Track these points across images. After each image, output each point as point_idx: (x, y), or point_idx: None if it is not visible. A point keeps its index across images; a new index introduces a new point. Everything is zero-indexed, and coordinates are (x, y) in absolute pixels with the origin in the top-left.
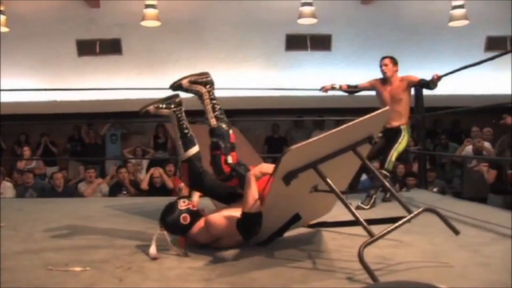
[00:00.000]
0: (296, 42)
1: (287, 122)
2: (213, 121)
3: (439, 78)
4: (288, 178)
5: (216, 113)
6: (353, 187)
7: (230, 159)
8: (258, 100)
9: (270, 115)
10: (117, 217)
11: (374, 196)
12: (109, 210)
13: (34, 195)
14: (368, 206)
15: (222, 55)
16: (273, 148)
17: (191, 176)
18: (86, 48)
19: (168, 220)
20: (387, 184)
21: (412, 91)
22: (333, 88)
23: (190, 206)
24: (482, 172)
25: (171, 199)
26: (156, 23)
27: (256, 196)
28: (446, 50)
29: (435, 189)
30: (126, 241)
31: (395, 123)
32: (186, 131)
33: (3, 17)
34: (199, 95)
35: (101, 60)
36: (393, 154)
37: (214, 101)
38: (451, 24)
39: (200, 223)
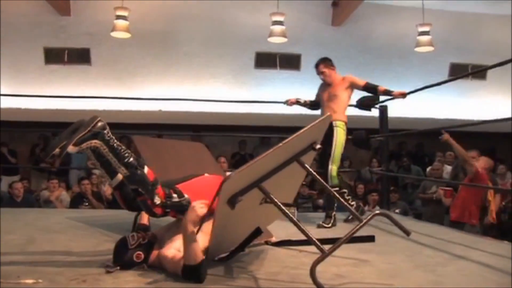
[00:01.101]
0: (266, 60)
1: (254, 139)
2: (123, 171)
3: (403, 95)
4: (233, 201)
5: (124, 160)
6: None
7: (157, 199)
8: (225, 116)
9: (237, 131)
10: (76, 229)
11: (333, 214)
12: (68, 222)
13: None
14: (329, 225)
15: (192, 70)
16: (239, 165)
17: (126, 202)
18: (54, 56)
19: (123, 261)
20: (345, 202)
21: (376, 112)
22: (297, 102)
23: (141, 239)
24: (440, 196)
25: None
26: (126, 35)
27: (196, 245)
28: (412, 74)
29: (397, 210)
30: (83, 253)
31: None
32: (125, 154)
33: None
34: (97, 151)
35: (69, 69)
36: (332, 169)
37: (115, 147)
38: (417, 49)
39: (154, 253)
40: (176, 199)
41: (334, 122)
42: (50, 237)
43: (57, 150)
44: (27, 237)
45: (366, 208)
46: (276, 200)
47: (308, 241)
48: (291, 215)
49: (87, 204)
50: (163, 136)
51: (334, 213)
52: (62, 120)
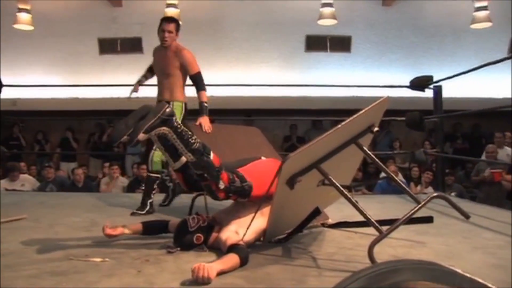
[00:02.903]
0: (316, 43)
1: (306, 122)
2: (190, 157)
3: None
4: (292, 182)
5: (191, 146)
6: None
7: (221, 184)
8: (277, 100)
9: (288, 115)
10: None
11: (150, 201)
12: (128, 205)
13: (54, 189)
14: (143, 212)
15: (242, 55)
16: (293, 149)
17: (188, 183)
18: (107, 46)
19: (183, 243)
20: (402, 184)
21: (431, 93)
22: (140, 84)
23: (201, 222)
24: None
25: (189, 196)
26: None
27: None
28: (467, 53)
29: (453, 193)
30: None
31: (166, 97)
32: (192, 140)
33: (28, 16)
34: (163, 137)
35: (122, 58)
36: (154, 153)
37: (182, 134)
38: (474, 26)
39: (214, 236)
40: (239, 184)
41: (173, 102)
42: (112, 220)
43: (125, 137)
44: (91, 220)
45: (419, 188)
46: (334, 181)
47: (365, 223)
48: (349, 197)
49: (143, 188)
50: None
51: (151, 200)
52: (117, 108)
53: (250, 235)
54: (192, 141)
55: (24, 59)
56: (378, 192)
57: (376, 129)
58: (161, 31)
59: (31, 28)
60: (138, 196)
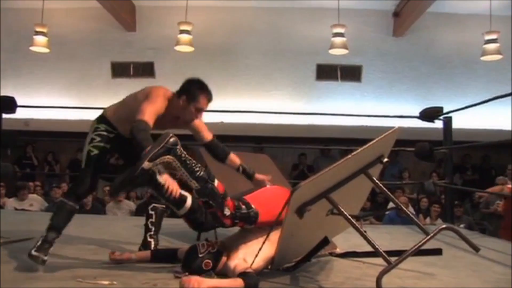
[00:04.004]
0: (327, 72)
1: (315, 151)
2: (194, 184)
3: None
4: (301, 211)
5: (195, 174)
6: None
7: (226, 211)
8: (287, 128)
9: (298, 143)
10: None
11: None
12: (136, 229)
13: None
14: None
15: (253, 82)
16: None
17: (194, 225)
18: (120, 70)
19: (192, 268)
20: (411, 214)
21: (440, 124)
22: None
23: (210, 248)
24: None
25: None
26: (190, 48)
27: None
28: (477, 84)
29: (462, 225)
30: None
31: None
32: (196, 168)
33: (45, 39)
34: (168, 166)
35: (134, 82)
36: None
37: (187, 162)
38: (484, 58)
39: (223, 261)
40: (245, 211)
41: None
42: (120, 243)
43: (145, 163)
44: (98, 242)
45: (428, 221)
46: (343, 210)
47: (373, 253)
48: (358, 226)
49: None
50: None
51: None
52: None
53: (258, 263)
54: (197, 169)
55: (38, 80)
56: (386, 222)
57: (386, 160)
58: (198, 108)
59: (47, 50)
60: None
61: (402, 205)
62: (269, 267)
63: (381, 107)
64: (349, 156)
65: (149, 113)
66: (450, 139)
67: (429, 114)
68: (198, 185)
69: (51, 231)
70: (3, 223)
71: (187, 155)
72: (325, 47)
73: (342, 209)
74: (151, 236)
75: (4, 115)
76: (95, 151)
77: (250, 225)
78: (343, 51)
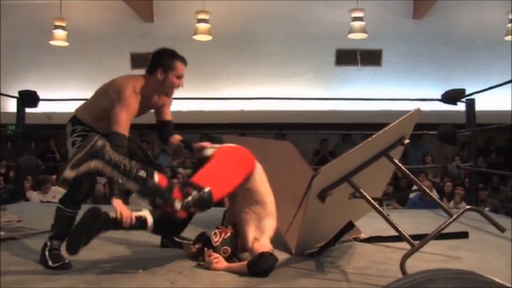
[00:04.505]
0: (346, 57)
1: (336, 136)
2: (133, 186)
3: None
4: (323, 195)
5: (131, 175)
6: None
7: (177, 204)
8: (307, 114)
9: (319, 129)
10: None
11: None
12: None
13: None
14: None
15: (272, 69)
16: (323, 163)
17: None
18: (140, 61)
19: None
20: (435, 197)
21: (463, 106)
22: None
23: (223, 235)
24: None
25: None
26: (208, 37)
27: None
28: (501, 65)
29: (487, 208)
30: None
31: None
32: (131, 169)
33: (63, 33)
34: (98, 172)
35: None
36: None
37: (118, 164)
38: (508, 38)
39: (240, 243)
40: (196, 195)
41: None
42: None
43: (67, 171)
44: (124, 232)
45: (452, 204)
46: (365, 194)
47: (397, 237)
48: (381, 210)
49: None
50: (246, 135)
51: None
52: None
53: (267, 238)
54: (129, 169)
55: (59, 74)
56: (410, 207)
57: (407, 141)
58: (178, 76)
59: (67, 44)
60: None
61: (425, 188)
62: (293, 252)
63: (402, 91)
64: (369, 139)
65: (124, 120)
66: (473, 121)
67: (451, 97)
68: (138, 186)
69: (54, 240)
70: (28, 215)
71: (118, 156)
72: (344, 31)
73: (364, 193)
74: None
75: (27, 109)
76: None
77: (207, 208)
78: (363, 35)
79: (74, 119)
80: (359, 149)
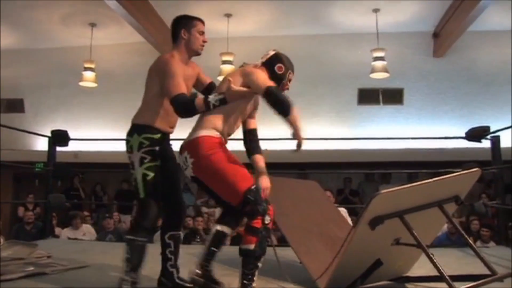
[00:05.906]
0: (368, 96)
1: (359, 175)
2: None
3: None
4: (375, 222)
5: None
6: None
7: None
8: (330, 153)
9: (341, 168)
10: (193, 264)
11: None
12: (185, 256)
13: (113, 239)
14: None
15: (295, 109)
16: (345, 202)
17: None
18: None
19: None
20: (470, 241)
21: (488, 143)
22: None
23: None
24: None
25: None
26: None
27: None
28: None
29: None
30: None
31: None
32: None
33: (93, 74)
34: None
35: None
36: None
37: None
38: None
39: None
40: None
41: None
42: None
43: None
44: (151, 269)
45: (478, 243)
46: (416, 235)
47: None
48: (430, 253)
49: (199, 240)
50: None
51: None
52: None
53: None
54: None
55: (87, 114)
56: (435, 245)
57: (462, 201)
58: (200, 32)
59: (95, 85)
60: (194, 248)
61: (461, 230)
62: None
63: (425, 129)
64: (428, 181)
65: (177, 83)
66: (499, 158)
67: (475, 134)
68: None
69: (132, 272)
70: (58, 251)
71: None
72: (366, 71)
73: (414, 232)
74: (172, 266)
75: (57, 148)
76: (151, 174)
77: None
78: (384, 75)
79: (136, 127)
80: (414, 187)
